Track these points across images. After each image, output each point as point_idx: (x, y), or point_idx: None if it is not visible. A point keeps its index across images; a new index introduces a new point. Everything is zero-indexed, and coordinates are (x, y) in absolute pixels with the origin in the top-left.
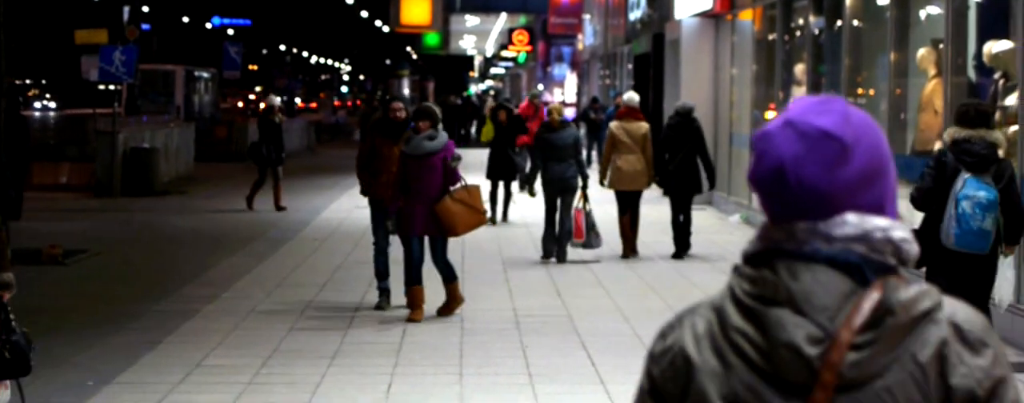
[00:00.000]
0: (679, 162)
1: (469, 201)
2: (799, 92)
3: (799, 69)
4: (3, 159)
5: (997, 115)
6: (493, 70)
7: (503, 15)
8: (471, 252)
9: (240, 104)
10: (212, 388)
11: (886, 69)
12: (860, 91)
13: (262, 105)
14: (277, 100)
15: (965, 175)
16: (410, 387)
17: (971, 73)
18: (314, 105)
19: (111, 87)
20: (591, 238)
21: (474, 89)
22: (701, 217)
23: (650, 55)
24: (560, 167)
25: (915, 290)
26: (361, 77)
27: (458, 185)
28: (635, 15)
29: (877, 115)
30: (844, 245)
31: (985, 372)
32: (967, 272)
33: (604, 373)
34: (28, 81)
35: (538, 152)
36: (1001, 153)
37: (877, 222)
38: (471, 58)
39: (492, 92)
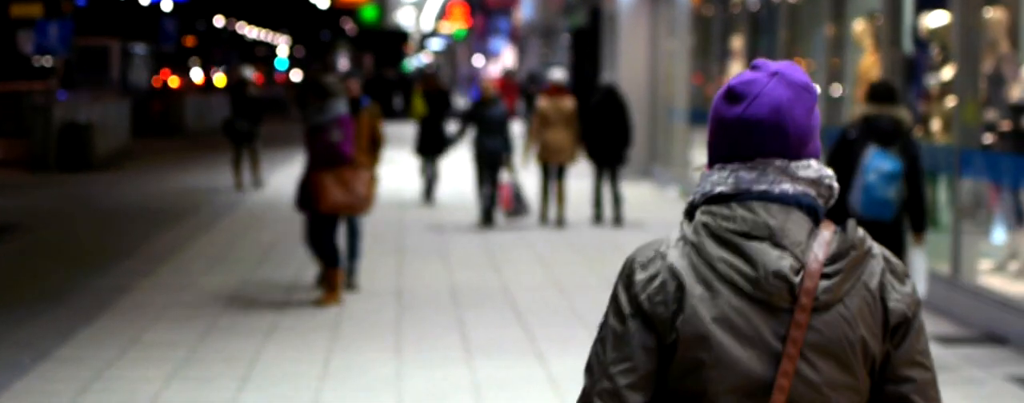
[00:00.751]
0: (605, 136)
1: (353, 182)
2: (736, 66)
3: (736, 43)
4: None
5: (934, 88)
6: (430, 45)
7: None
8: (407, 225)
9: (174, 80)
10: (149, 364)
11: (822, 42)
12: (797, 64)
13: (199, 77)
14: (249, 72)
15: (872, 149)
16: (347, 362)
17: (907, 46)
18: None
19: (46, 61)
20: (518, 207)
21: (412, 63)
22: (639, 190)
23: (587, 29)
24: (491, 140)
25: (860, 231)
26: (297, 53)
27: (345, 163)
28: None
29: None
30: (804, 187)
31: (910, 297)
32: (874, 237)
33: (542, 347)
34: None
35: (472, 125)
36: (927, 132)
37: (826, 170)
38: (408, 32)
39: (433, 68)
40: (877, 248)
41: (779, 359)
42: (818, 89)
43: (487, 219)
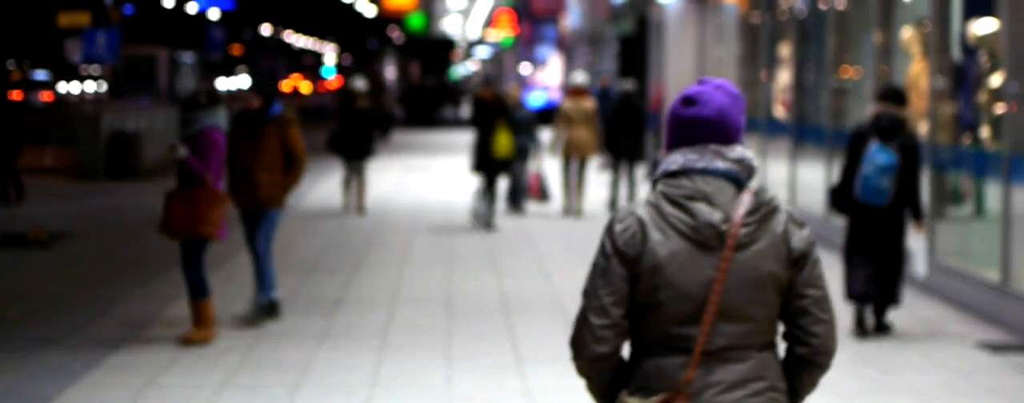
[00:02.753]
0: (621, 134)
1: (197, 204)
2: (784, 73)
3: (784, 50)
4: None
5: (982, 95)
6: (477, 52)
7: None
8: (456, 234)
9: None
10: (200, 371)
11: (870, 49)
12: (845, 71)
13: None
14: (360, 82)
15: (874, 143)
16: (397, 370)
17: (956, 53)
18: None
19: (93, 70)
20: (543, 194)
21: (458, 72)
22: None
23: (635, 37)
24: (519, 138)
25: (770, 194)
26: (344, 61)
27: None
28: None
29: (861, 96)
30: (731, 164)
31: (806, 239)
32: (874, 220)
33: None
34: (11, 64)
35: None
36: (920, 129)
37: (747, 152)
38: (454, 41)
39: (481, 75)
40: (783, 205)
41: (712, 283)
42: (744, 98)
43: (515, 205)
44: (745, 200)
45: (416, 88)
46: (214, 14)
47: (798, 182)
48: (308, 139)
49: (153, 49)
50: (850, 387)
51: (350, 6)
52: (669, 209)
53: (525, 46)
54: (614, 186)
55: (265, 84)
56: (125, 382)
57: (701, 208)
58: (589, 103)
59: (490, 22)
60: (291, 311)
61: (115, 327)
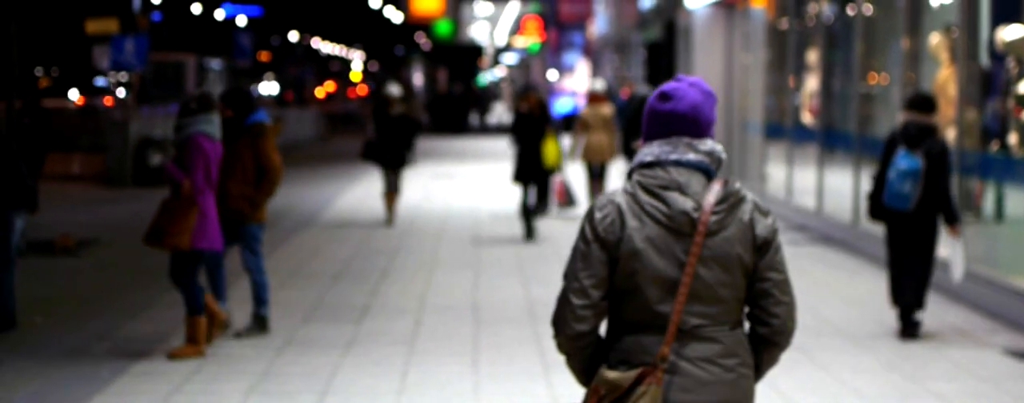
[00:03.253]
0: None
1: (172, 212)
2: (812, 79)
3: (812, 56)
4: (15, 149)
5: (1010, 101)
6: (505, 58)
7: (515, 3)
8: (483, 241)
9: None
10: (226, 377)
11: (899, 56)
12: (872, 78)
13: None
14: (395, 88)
15: (901, 150)
16: (425, 377)
17: (984, 59)
18: (326, 95)
19: (121, 77)
20: (569, 200)
21: (485, 78)
22: None
23: (662, 43)
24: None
25: (738, 185)
26: (371, 67)
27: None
28: (647, 2)
29: (889, 102)
30: (702, 156)
31: (770, 227)
32: (903, 226)
33: None
34: (40, 71)
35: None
36: (948, 135)
37: (717, 146)
38: (482, 47)
39: (508, 81)
40: (749, 195)
41: (684, 266)
42: (717, 96)
43: (540, 208)
44: (715, 189)
45: (443, 95)
46: (242, 21)
47: (825, 189)
48: (335, 145)
49: (181, 56)
50: (876, 393)
51: (378, 12)
52: (645, 198)
53: (552, 53)
54: None
55: (235, 94)
56: (152, 389)
57: (675, 197)
58: (607, 109)
59: (517, 29)
60: (318, 318)
61: (142, 334)
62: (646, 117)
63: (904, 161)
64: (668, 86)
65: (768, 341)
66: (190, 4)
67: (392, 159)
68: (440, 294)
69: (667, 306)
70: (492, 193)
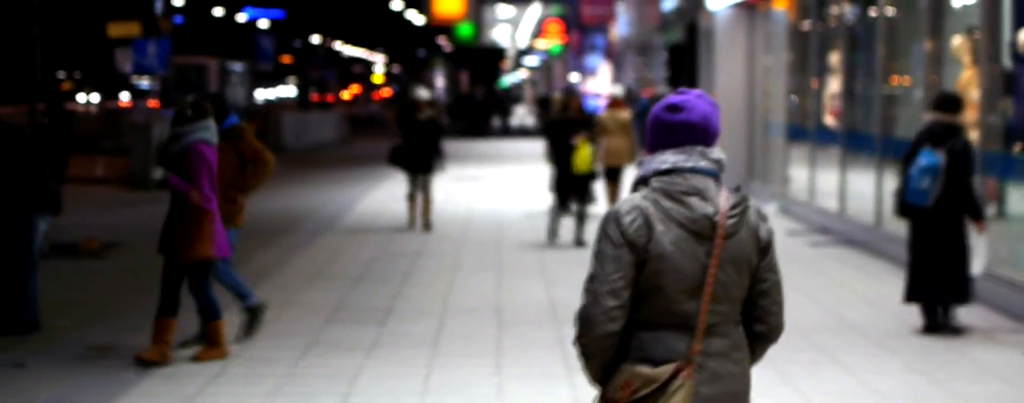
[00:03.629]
0: None
1: (187, 226)
2: (834, 81)
3: (834, 58)
4: (38, 151)
5: None
6: (526, 61)
7: (536, 5)
8: (506, 243)
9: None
10: (250, 379)
11: (921, 58)
12: (895, 80)
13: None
14: (423, 92)
15: (925, 148)
16: (448, 379)
17: (1006, 61)
18: (352, 96)
19: (143, 81)
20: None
21: (507, 80)
22: None
23: (684, 45)
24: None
25: (745, 192)
26: (394, 69)
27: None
28: (668, 5)
29: (912, 104)
30: (713, 164)
31: (769, 230)
32: (924, 221)
33: None
34: (63, 74)
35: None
36: (972, 135)
37: (722, 154)
38: (504, 49)
39: (529, 84)
40: (752, 201)
41: (706, 267)
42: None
43: (562, 207)
44: (726, 195)
45: (465, 98)
46: (264, 24)
47: (848, 190)
48: (359, 148)
49: (203, 59)
50: (898, 394)
51: (399, 15)
52: (668, 203)
53: (574, 55)
54: None
55: (209, 100)
56: (176, 391)
57: (696, 202)
58: (626, 113)
59: (539, 31)
60: (341, 320)
61: None
62: (654, 127)
63: (924, 157)
64: (676, 98)
65: (764, 337)
66: (212, 7)
67: (419, 164)
68: (463, 296)
69: (690, 305)
70: (515, 195)
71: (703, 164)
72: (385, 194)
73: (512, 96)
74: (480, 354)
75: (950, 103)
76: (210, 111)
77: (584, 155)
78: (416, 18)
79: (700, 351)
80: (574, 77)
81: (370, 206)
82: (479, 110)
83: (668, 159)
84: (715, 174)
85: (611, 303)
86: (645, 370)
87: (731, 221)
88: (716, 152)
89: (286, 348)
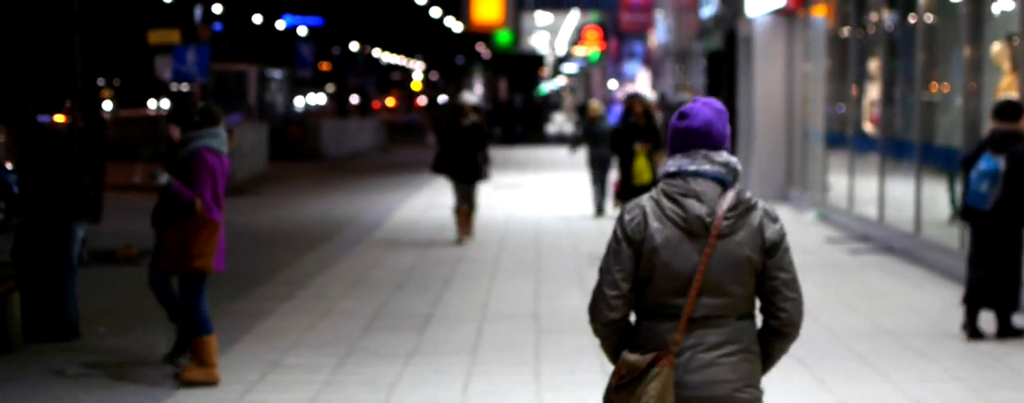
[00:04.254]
0: None
1: (188, 236)
2: (873, 88)
3: (873, 65)
4: (79, 158)
5: None
6: (565, 68)
7: (575, 12)
8: (545, 250)
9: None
10: (289, 387)
11: (960, 64)
12: (934, 86)
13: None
14: (471, 97)
15: (986, 154)
16: (487, 386)
17: None
18: (393, 104)
19: (183, 87)
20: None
21: (546, 88)
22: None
23: (723, 52)
24: (600, 149)
25: (749, 194)
26: (432, 76)
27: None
28: (707, 12)
29: (951, 110)
30: (719, 167)
31: (778, 231)
32: (983, 225)
33: None
34: (101, 82)
35: (585, 139)
36: None
37: (732, 158)
38: (542, 56)
39: (568, 90)
40: (760, 203)
41: (697, 264)
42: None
43: (599, 211)
44: (729, 197)
45: (504, 105)
46: (303, 31)
47: (887, 198)
48: (398, 156)
49: (242, 66)
50: (936, 402)
51: (438, 22)
52: (667, 203)
53: (613, 62)
54: None
55: (182, 110)
56: (216, 398)
57: (692, 203)
58: (658, 117)
59: (578, 38)
60: (380, 328)
61: None
62: (669, 134)
63: (984, 162)
64: (685, 107)
65: (778, 332)
66: (251, 15)
67: (465, 172)
68: (502, 303)
69: (680, 298)
70: (553, 203)
71: (706, 168)
72: (424, 201)
73: (551, 103)
74: (519, 361)
75: (1011, 111)
76: (220, 118)
77: (640, 164)
78: (455, 25)
79: (681, 342)
80: (612, 84)
81: (409, 213)
82: (520, 117)
83: (675, 163)
84: (719, 177)
85: (611, 293)
86: (631, 358)
87: (726, 222)
88: (722, 156)
89: (325, 356)
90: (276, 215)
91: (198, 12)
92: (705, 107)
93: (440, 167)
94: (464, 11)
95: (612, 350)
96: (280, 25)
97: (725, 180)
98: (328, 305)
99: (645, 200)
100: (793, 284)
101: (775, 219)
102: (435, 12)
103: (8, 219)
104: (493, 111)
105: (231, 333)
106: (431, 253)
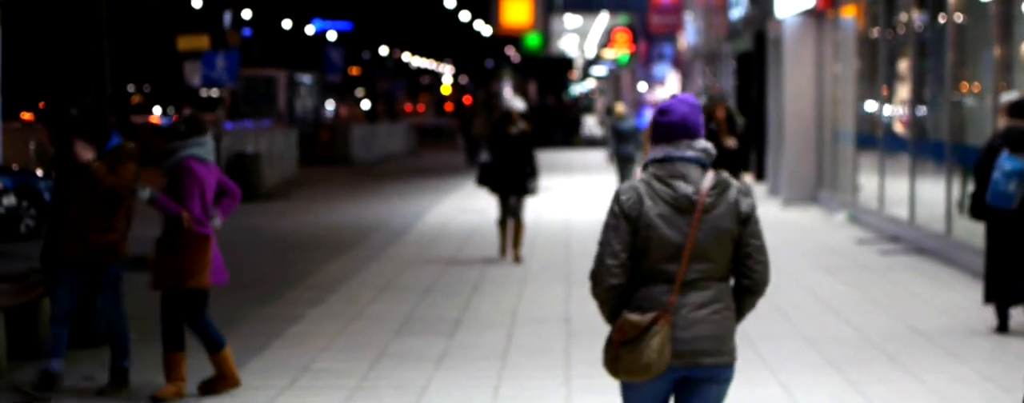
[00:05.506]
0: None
1: (179, 254)
2: (903, 89)
3: (903, 65)
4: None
5: None
6: (594, 70)
7: (604, 14)
8: (575, 253)
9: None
10: (319, 392)
11: (990, 64)
12: (964, 86)
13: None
14: (518, 103)
15: (1005, 152)
16: (517, 390)
17: None
18: (421, 108)
19: (213, 93)
20: None
21: (576, 90)
22: (807, 216)
23: (752, 53)
24: (625, 147)
25: (726, 174)
26: (462, 80)
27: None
28: (736, 14)
29: (982, 110)
30: (698, 153)
31: (751, 205)
32: (1006, 224)
33: None
34: (132, 88)
35: (611, 138)
36: None
37: (708, 143)
38: (572, 59)
39: (598, 92)
40: (735, 182)
41: (686, 235)
42: (701, 105)
43: None
44: (709, 178)
45: (536, 108)
46: (332, 35)
47: (918, 198)
48: (428, 160)
49: (272, 71)
50: (968, 402)
51: (467, 25)
52: (657, 185)
53: (642, 64)
54: None
55: (89, 120)
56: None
57: (680, 184)
58: None
59: (607, 41)
60: (410, 332)
61: (235, 348)
62: (651, 127)
63: (1009, 162)
64: (664, 104)
65: (749, 290)
66: (281, 20)
67: (512, 185)
68: (532, 307)
69: (673, 264)
70: (583, 205)
71: (689, 154)
72: (454, 206)
73: (582, 105)
74: (549, 365)
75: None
76: (205, 126)
77: None
78: (484, 28)
79: (676, 302)
80: (642, 86)
81: (438, 217)
82: (552, 121)
83: (662, 150)
84: (700, 161)
85: (612, 262)
86: (633, 317)
87: (709, 199)
88: (701, 143)
89: (355, 360)
90: (306, 220)
91: (227, 17)
92: (681, 104)
93: (485, 179)
94: (493, 14)
95: (611, 312)
96: (309, 30)
97: (704, 162)
98: (358, 310)
99: (638, 183)
100: (763, 249)
101: (748, 194)
102: (464, 15)
103: (38, 225)
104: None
105: (261, 338)
106: (461, 257)
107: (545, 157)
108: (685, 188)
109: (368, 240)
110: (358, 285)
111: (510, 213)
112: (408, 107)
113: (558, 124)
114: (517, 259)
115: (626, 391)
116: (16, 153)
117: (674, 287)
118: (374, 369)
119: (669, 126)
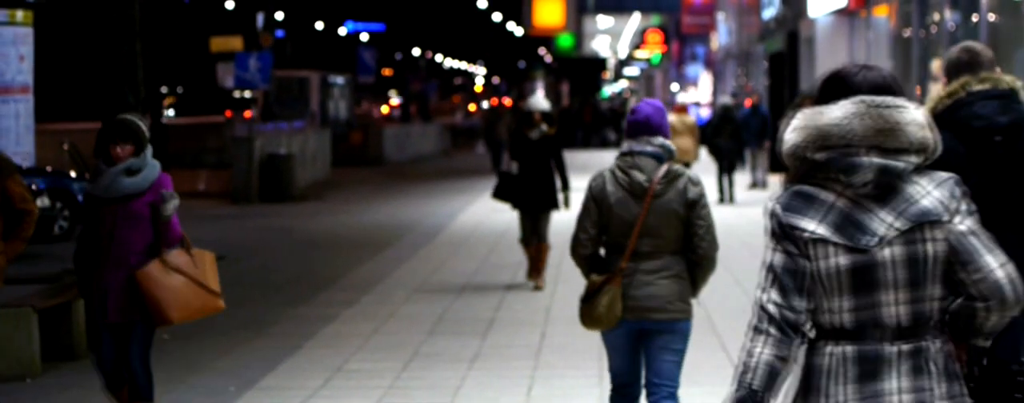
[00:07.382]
0: (724, 142)
1: (193, 273)
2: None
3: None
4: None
5: None
6: (627, 71)
7: (636, 15)
8: None
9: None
10: (352, 392)
11: (1023, 62)
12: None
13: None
14: (542, 103)
15: None
16: (550, 390)
17: None
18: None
19: (246, 94)
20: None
21: (608, 91)
22: None
23: (785, 53)
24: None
25: (667, 165)
26: (494, 80)
27: (176, 247)
28: (769, 13)
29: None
30: (656, 148)
31: (698, 193)
32: None
33: None
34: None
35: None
36: None
37: (667, 141)
38: (604, 60)
39: (630, 92)
40: (686, 172)
41: (638, 216)
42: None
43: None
44: (662, 169)
45: (568, 111)
46: (365, 37)
47: None
48: (460, 161)
49: (305, 72)
50: None
51: (500, 26)
52: (619, 174)
53: (675, 65)
54: (720, 185)
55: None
56: None
57: (636, 174)
58: (690, 118)
59: (639, 42)
60: (443, 332)
61: (268, 349)
62: (625, 124)
63: None
64: (635, 106)
65: (698, 264)
66: (313, 21)
67: (531, 199)
68: (565, 307)
69: (626, 239)
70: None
71: (648, 149)
72: (486, 206)
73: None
74: (582, 365)
75: None
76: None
77: None
78: (516, 29)
79: (628, 268)
80: (675, 87)
81: (471, 218)
82: (577, 124)
83: (627, 146)
84: (657, 154)
85: (583, 236)
86: (594, 277)
87: (659, 187)
88: (659, 140)
89: (388, 360)
90: (339, 220)
91: (260, 19)
92: (647, 106)
93: (502, 192)
94: (526, 15)
95: (585, 273)
96: (342, 31)
97: (661, 157)
98: (391, 310)
99: (606, 171)
100: (710, 229)
101: (697, 183)
102: (496, 16)
103: (72, 226)
104: (559, 117)
105: (295, 338)
106: (493, 257)
107: (575, 158)
108: (639, 177)
109: (401, 241)
110: (391, 285)
111: (532, 232)
112: (456, 98)
113: (614, 124)
114: (538, 287)
115: (603, 338)
116: (49, 155)
117: (624, 255)
118: (408, 369)
119: (634, 124)
